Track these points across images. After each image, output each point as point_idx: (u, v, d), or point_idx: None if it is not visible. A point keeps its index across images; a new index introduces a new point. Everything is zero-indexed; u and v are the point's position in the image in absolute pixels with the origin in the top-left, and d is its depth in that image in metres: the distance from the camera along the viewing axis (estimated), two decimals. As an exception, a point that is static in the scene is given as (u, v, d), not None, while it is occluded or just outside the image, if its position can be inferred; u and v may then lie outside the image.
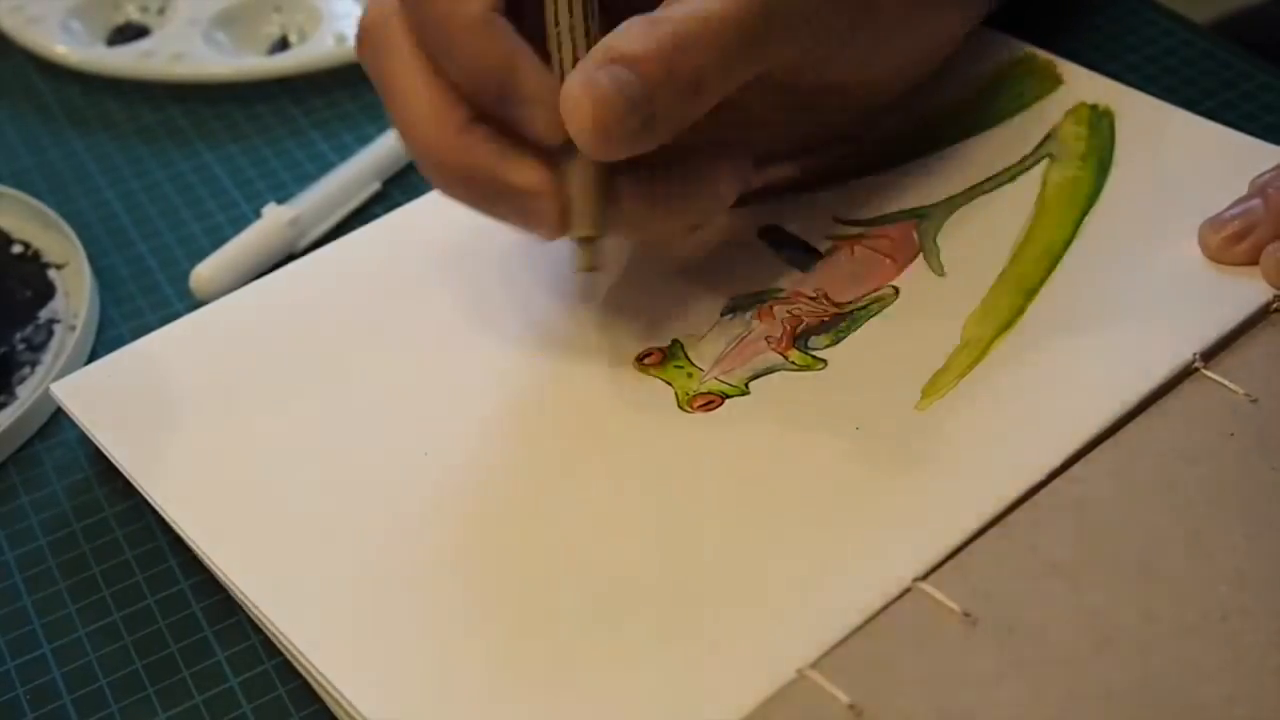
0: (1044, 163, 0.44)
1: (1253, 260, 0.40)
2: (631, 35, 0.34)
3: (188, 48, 0.56)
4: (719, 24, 0.35)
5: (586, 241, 0.37)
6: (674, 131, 0.35)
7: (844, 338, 0.40)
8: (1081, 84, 0.47)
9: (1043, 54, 0.48)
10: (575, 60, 0.36)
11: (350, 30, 0.56)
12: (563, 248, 0.43)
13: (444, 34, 0.36)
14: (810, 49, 0.38)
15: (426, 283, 0.43)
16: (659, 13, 0.35)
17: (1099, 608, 0.33)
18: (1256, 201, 0.41)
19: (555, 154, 0.36)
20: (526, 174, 0.36)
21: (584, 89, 0.34)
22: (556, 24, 0.36)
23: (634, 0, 0.36)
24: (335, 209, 0.49)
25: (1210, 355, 0.38)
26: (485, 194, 0.37)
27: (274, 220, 0.47)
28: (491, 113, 0.36)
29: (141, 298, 0.47)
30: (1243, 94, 0.49)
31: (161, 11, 0.59)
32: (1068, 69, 0.48)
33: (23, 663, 0.37)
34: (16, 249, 0.49)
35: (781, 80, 0.38)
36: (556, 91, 0.35)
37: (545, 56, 0.36)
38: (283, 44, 0.58)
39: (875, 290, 0.41)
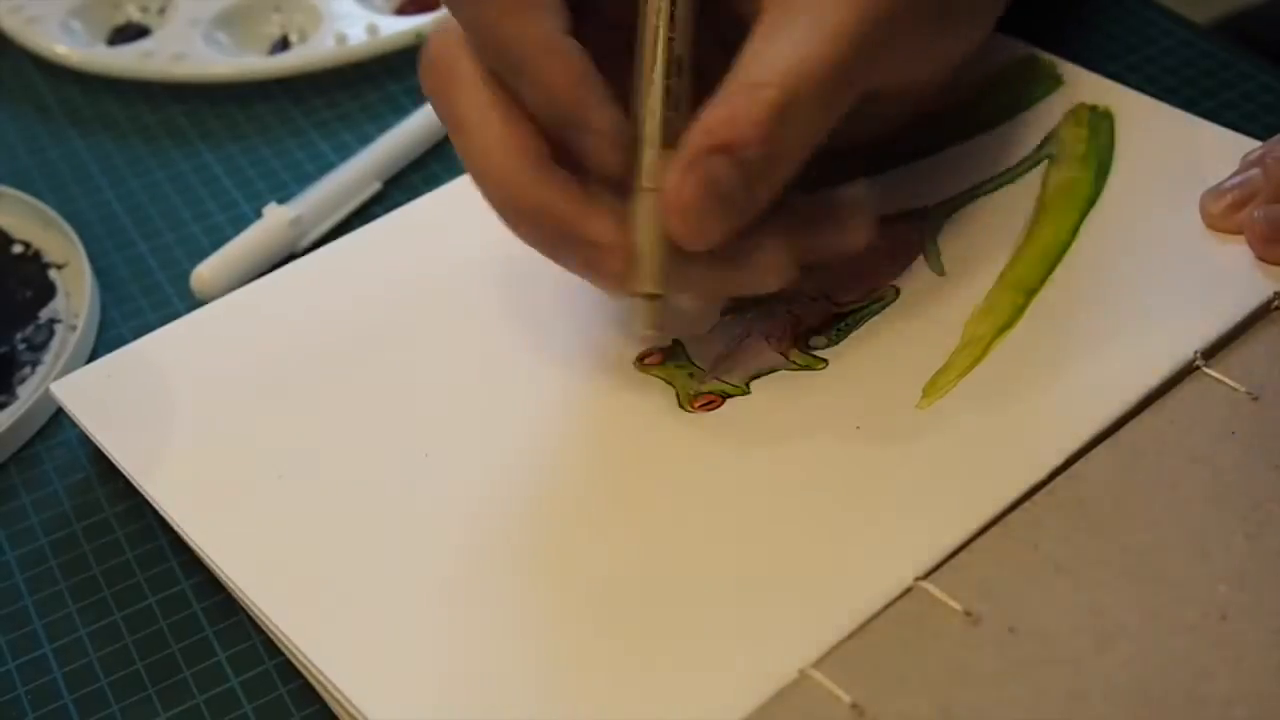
0: (1044, 164, 0.44)
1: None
2: (732, 111, 0.33)
3: (188, 48, 0.56)
4: (828, 69, 0.33)
5: (650, 299, 0.36)
6: (767, 199, 0.35)
7: (844, 337, 0.40)
8: (1082, 85, 0.47)
9: (1043, 54, 0.48)
10: (665, 89, 0.35)
11: (350, 30, 0.56)
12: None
13: (513, 56, 0.35)
14: (898, 68, 0.37)
15: (427, 283, 0.43)
16: (756, 73, 0.33)
17: (1100, 606, 0.33)
18: (1256, 170, 0.41)
19: (625, 194, 0.35)
20: (598, 225, 0.35)
21: (679, 199, 0.33)
22: (648, 46, 0.35)
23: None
24: (335, 209, 0.49)
25: (1211, 353, 0.38)
26: (554, 240, 0.36)
27: (275, 220, 0.47)
28: (559, 141, 0.35)
29: (142, 298, 0.47)
30: (1243, 94, 0.49)
31: (161, 11, 0.59)
32: (1068, 69, 0.48)
33: (23, 663, 0.37)
34: (17, 249, 0.49)
35: None
36: (621, 124, 0.34)
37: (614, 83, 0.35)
38: (283, 44, 0.58)
39: (876, 290, 0.41)
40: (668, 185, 0.34)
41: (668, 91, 0.35)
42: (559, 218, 0.35)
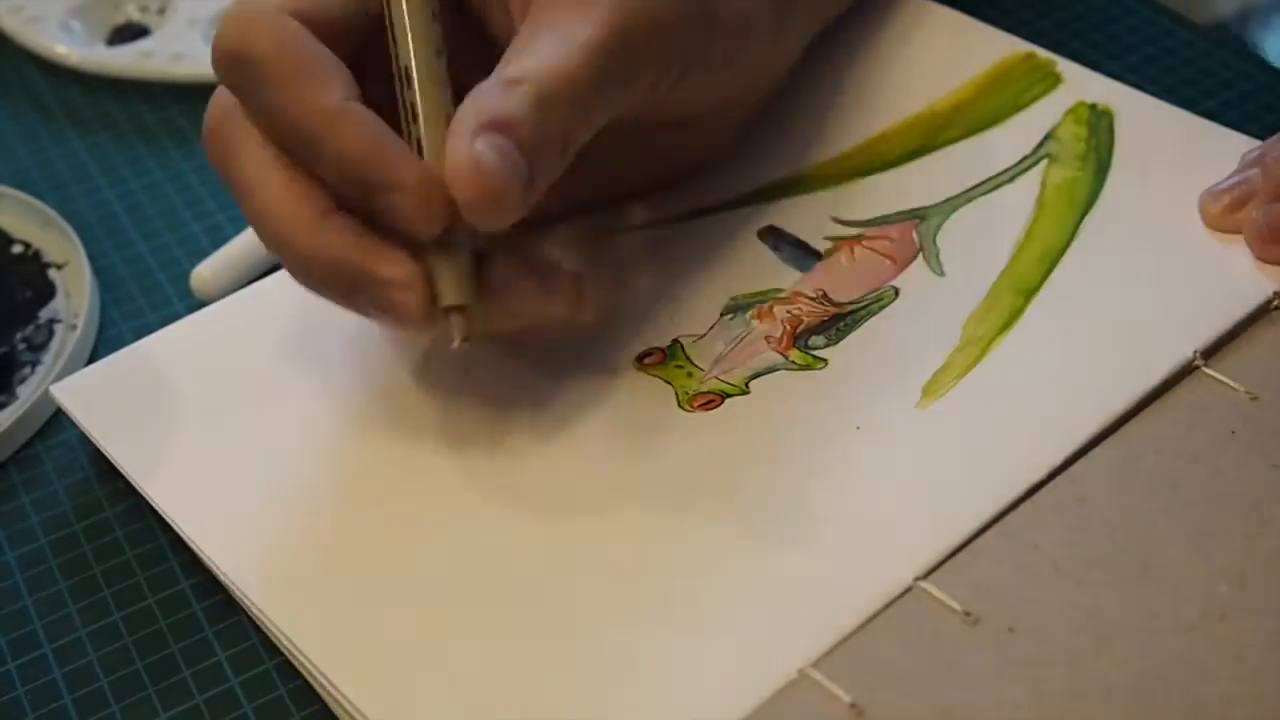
0: (1044, 163, 0.44)
1: None
2: (495, 100, 0.33)
3: (188, 48, 0.56)
4: (578, 73, 0.34)
5: (459, 311, 0.34)
6: (544, 190, 0.34)
7: (844, 337, 0.40)
8: (1081, 84, 0.47)
9: (1043, 54, 0.48)
10: (437, 134, 0.34)
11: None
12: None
13: (302, 130, 0.34)
14: (666, 75, 0.37)
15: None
16: (512, 72, 0.34)
17: (1099, 606, 0.33)
18: (1255, 170, 0.41)
19: (418, 248, 0.34)
20: (392, 264, 0.34)
21: (469, 160, 0.32)
22: (410, 97, 0.35)
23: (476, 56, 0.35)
24: (335, 209, 0.49)
25: (1211, 353, 0.38)
26: (348, 286, 0.35)
27: (274, 220, 0.47)
28: (359, 208, 0.34)
29: (142, 298, 0.47)
30: (1242, 94, 0.49)
31: (161, 11, 0.59)
32: (1068, 69, 0.48)
33: (23, 663, 0.37)
34: (17, 249, 0.49)
35: (632, 125, 0.38)
36: (427, 175, 0.33)
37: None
38: (283, 44, 0.58)
39: (875, 290, 0.41)
40: (451, 153, 0.33)
41: (443, 107, 0.35)
42: (350, 262, 0.34)
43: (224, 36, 0.35)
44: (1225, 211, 0.41)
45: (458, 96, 0.34)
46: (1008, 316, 0.40)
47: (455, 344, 0.34)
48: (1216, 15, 0.65)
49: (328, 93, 0.34)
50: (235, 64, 0.35)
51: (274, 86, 0.34)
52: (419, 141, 0.35)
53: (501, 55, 0.35)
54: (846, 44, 0.49)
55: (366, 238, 0.34)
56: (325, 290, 0.36)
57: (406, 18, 0.35)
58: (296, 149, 0.35)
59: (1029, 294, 0.40)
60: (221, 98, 0.36)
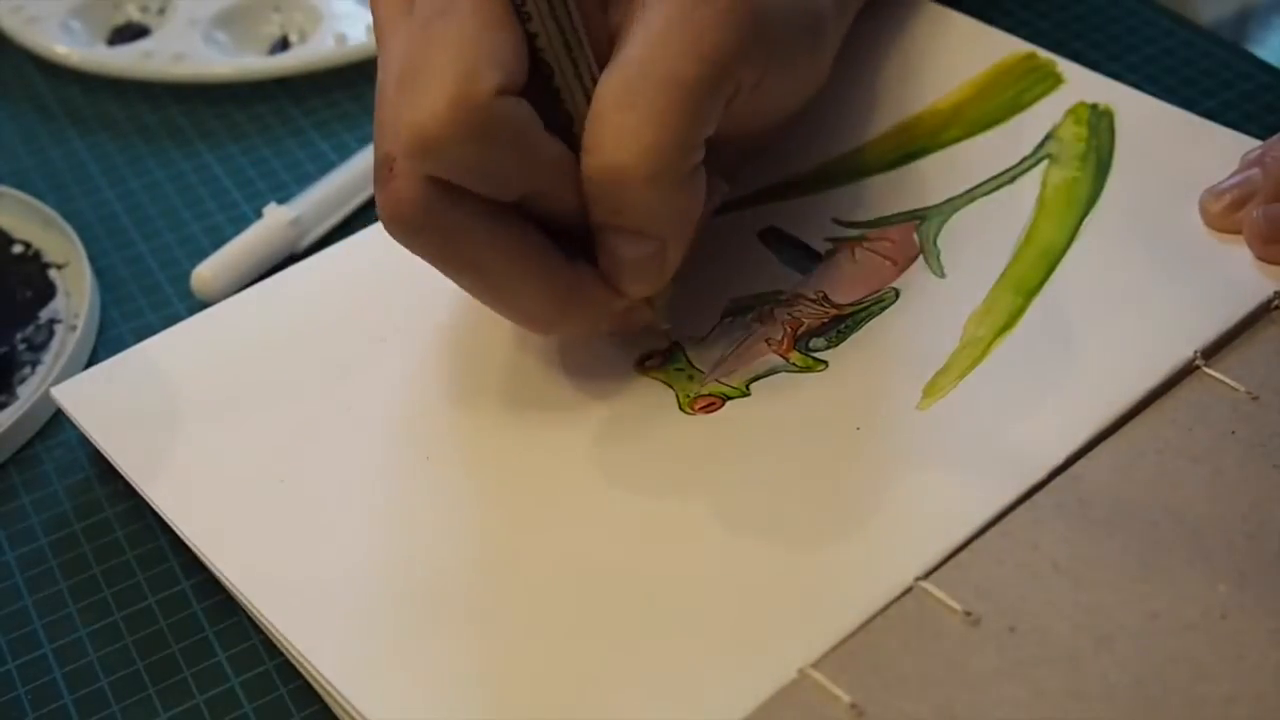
0: (1044, 163, 0.44)
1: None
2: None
3: (188, 48, 0.56)
4: (691, 93, 0.34)
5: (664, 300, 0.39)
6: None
7: (845, 339, 0.40)
8: (1081, 84, 0.47)
9: (1043, 54, 0.48)
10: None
11: (350, 30, 0.56)
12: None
13: (551, 184, 0.35)
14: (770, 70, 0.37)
15: (429, 284, 0.43)
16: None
17: (1100, 606, 0.33)
18: (1255, 170, 0.41)
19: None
20: (619, 300, 0.37)
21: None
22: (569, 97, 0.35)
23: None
24: (336, 209, 0.49)
25: (1211, 353, 0.38)
26: (597, 325, 0.38)
27: (275, 220, 0.47)
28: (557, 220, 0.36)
29: (142, 298, 0.47)
30: (1242, 94, 0.49)
31: (161, 11, 0.59)
32: (1068, 69, 0.48)
33: (24, 663, 0.37)
34: (17, 249, 0.49)
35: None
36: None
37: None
38: (283, 44, 0.58)
39: (876, 292, 0.41)
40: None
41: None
42: (601, 312, 0.37)
43: (457, 124, 0.32)
44: (1225, 211, 0.41)
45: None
46: (1008, 317, 0.40)
47: (664, 326, 0.40)
48: (1216, 15, 0.65)
49: (556, 145, 0.35)
50: (478, 147, 0.33)
51: (532, 160, 0.34)
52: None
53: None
54: (847, 45, 0.49)
55: (598, 277, 0.36)
56: (579, 335, 0.40)
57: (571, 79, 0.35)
58: (536, 202, 0.35)
59: (1029, 294, 0.40)
60: (412, 185, 0.34)
